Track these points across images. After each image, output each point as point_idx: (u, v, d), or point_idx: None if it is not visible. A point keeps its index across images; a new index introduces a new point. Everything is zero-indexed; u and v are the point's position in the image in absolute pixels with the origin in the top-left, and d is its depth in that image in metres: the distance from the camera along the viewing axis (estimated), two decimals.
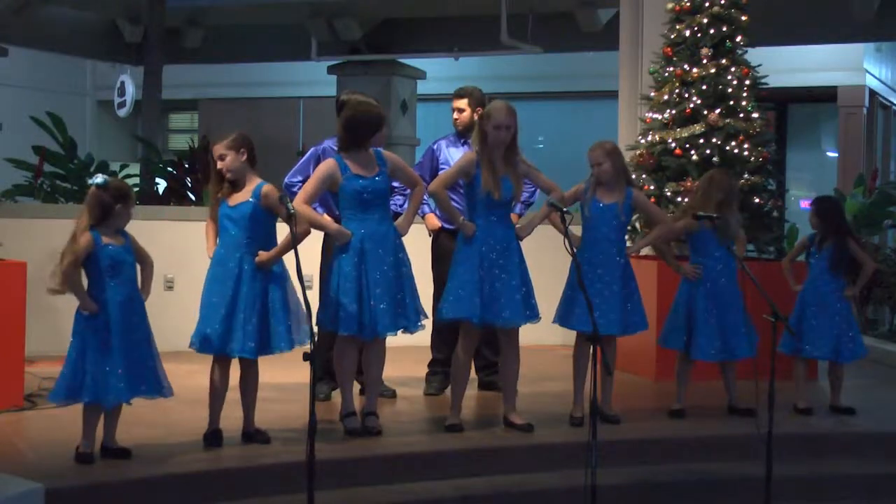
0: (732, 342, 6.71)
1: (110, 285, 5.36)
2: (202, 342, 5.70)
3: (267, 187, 5.74)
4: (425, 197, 6.47)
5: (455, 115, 7.22)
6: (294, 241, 5.28)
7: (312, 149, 7.03)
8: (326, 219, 6.17)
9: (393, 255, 5.97)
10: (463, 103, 7.19)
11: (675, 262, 6.89)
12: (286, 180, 6.88)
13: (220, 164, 5.74)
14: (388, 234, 5.99)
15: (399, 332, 6.03)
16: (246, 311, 5.67)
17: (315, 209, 6.44)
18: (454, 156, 7.04)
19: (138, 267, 5.52)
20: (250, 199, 5.71)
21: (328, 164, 6.05)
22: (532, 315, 6.21)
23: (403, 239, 6.09)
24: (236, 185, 5.77)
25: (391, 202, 6.55)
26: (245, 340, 5.66)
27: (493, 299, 6.09)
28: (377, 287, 5.88)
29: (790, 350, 6.93)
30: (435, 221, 7.19)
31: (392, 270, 5.94)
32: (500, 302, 6.10)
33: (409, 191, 6.90)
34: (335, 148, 6.76)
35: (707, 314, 6.71)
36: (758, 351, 6.59)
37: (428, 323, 6.25)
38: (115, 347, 5.30)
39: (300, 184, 6.75)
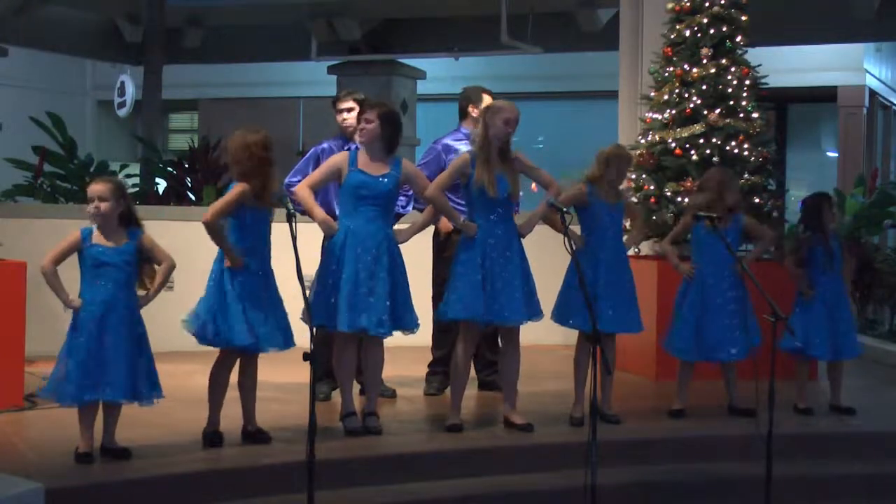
0: (721, 343, 6.67)
1: (91, 285, 5.37)
2: (262, 342, 5.70)
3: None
4: None
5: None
6: (295, 241, 5.29)
7: (312, 149, 7.04)
8: (319, 210, 6.13)
9: (372, 256, 5.95)
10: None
11: (675, 260, 6.91)
12: (286, 180, 6.88)
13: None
14: (375, 235, 5.98)
15: (358, 330, 5.99)
16: (280, 304, 5.80)
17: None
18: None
19: (152, 268, 5.53)
20: (273, 199, 5.78)
21: (338, 156, 6.14)
22: (534, 313, 6.21)
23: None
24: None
25: None
26: (280, 335, 5.77)
27: (495, 298, 6.09)
28: (346, 283, 5.89)
29: (793, 349, 6.90)
30: (448, 225, 7.14)
31: (364, 271, 5.92)
32: (501, 301, 6.10)
33: (411, 192, 6.90)
34: (334, 148, 6.78)
35: (690, 313, 6.71)
36: (754, 351, 6.57)
37: (427, 323, 6.24)
38: (84, 346, 5.31)
39: (298, 183, 6.75)
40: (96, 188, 5.42)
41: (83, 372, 5.29)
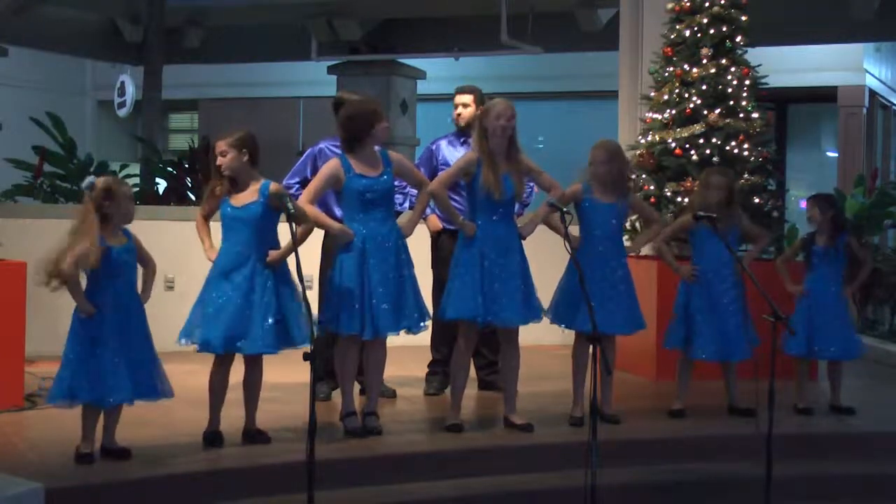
0: (731, 344, 6.70)
1: (109, 287, 5.35)
2: (207, 343, 5.62)
3: (275, 185, 5.76)
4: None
5: (459, 111, 7.17)
6: (296, 240, 5.28)
7: (309, 150, 7.03)
8: (333, 221, 6.14)
9: (395, 255, 5.97)
10: (468, 99, 7.16)
11: (674, 262, 6.90)
12: (284, 182, 6.86)
13: (219, 161, 5.72)
14: (391, 234, 5.98)
15: (401, 332, 6.03)
16: (263, 309, 5.65)
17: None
18: (453, 156, 7.03)
19: (139, 268, 5.52)
20: (259, 199, 5.71)
21: (332, 164, 6.05)
22: (533, 315, 6.22)
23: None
24: (237, 185, 5.76)
25: None
26: (264, 338, 5.63)
27: (494, 299, 6.09)
28: (379, 287, 5.88)
29: (800, 352, 6.89)
30: (437, 223, 7.17)
31: (394, 271, 5.94)
32: (500, 302, 6.10)
33: (408, 189, 6.91)
34: (332, 148, 6.76)
35: (705, 315, 6.71)
36: (757, 351, 6.58)
37: (428, 323, 6.25)
38: (111, 349, 5.29)
39: (297, 185, 6.76)
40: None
41: (121, 374, 5.28)
